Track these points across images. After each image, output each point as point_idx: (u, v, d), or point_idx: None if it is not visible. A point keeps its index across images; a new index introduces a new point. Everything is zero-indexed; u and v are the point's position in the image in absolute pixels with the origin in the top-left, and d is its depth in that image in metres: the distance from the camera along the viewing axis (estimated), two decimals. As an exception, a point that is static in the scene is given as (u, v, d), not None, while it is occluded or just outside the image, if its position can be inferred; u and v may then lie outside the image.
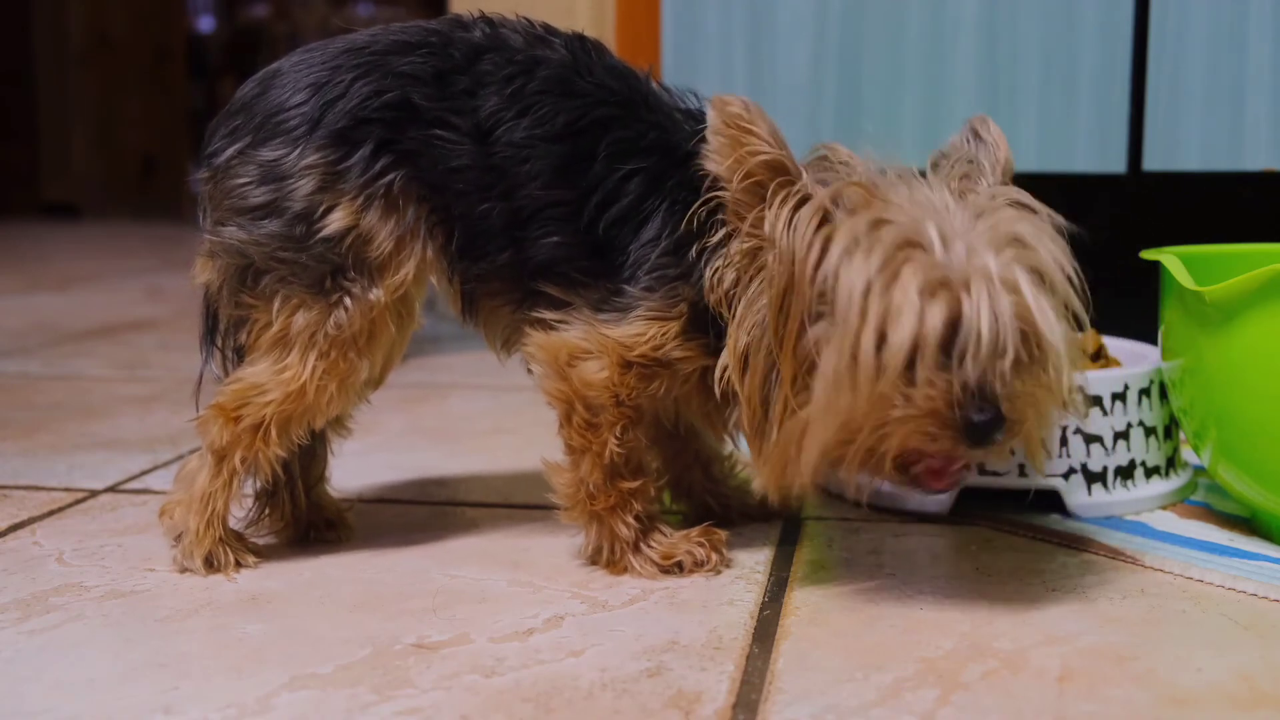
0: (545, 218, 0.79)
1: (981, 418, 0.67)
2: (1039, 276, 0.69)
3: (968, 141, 0.78)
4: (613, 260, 0.79)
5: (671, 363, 0.79)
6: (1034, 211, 0.72)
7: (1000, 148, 0.77)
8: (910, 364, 0.67)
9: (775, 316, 0.71)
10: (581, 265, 0.79)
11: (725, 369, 0.76)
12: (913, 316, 0.66)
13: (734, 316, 0.75)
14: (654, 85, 0.83)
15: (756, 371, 0.73)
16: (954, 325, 0.67)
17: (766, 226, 0.72)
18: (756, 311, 0.73)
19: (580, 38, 0.83)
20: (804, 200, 0.71)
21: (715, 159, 0.73)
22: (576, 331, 0.79)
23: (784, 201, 0.71)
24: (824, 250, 0.70)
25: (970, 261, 0.67)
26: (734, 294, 0.75)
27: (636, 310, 0.78)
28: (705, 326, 0.78)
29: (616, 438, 0.79)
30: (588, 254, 0.79)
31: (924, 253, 0.68)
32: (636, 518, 0.81)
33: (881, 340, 0.67)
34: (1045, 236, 0.70)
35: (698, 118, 0.81)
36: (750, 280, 0.74)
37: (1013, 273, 0.68)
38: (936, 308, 0.67)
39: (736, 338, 0.74)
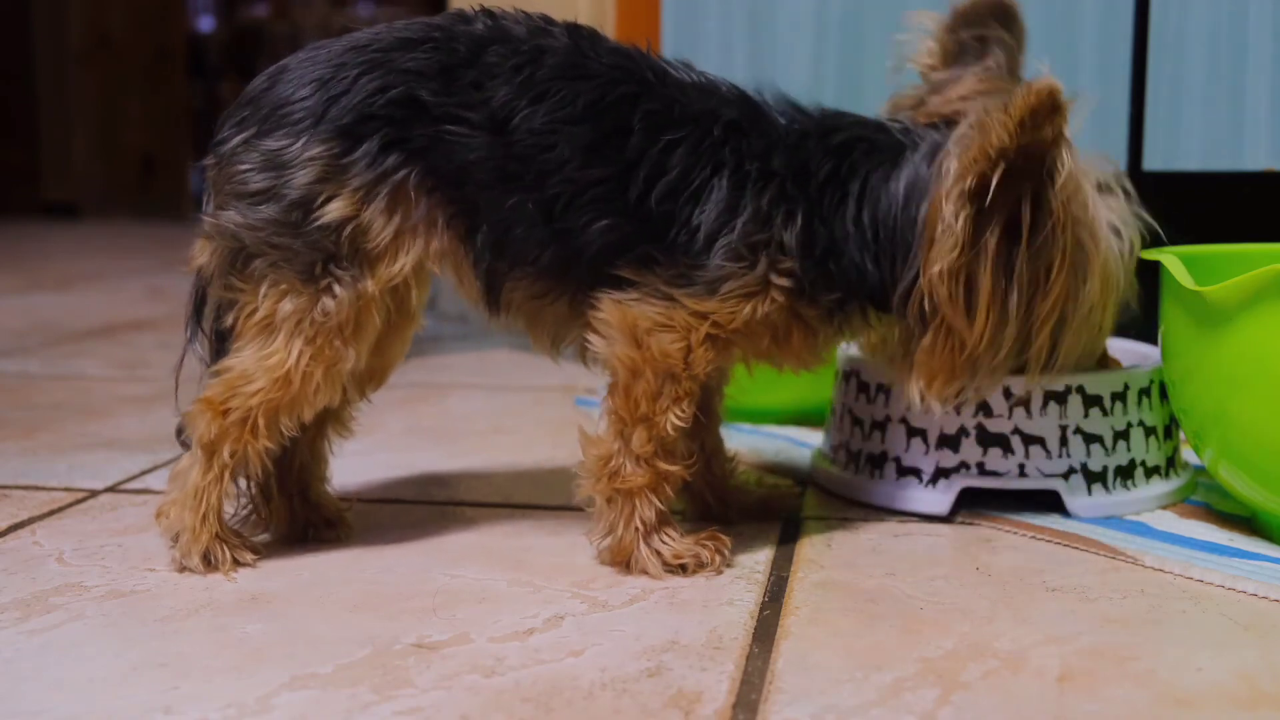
0: (587, 200, 0.80)
1: None
2: None
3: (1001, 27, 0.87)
4: (674, 237, 0.80)
5: (765, 323, 0.82)
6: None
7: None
8: None
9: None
10: (646, 248, 0.80)
11: (920, 298, 0.81)
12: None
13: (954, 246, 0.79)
14: (657, 60, 0.84)
15: (998, 294, 0.80)
16: None
17: (1059, 202, 0.80)
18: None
19: (576, 26, 0.84)
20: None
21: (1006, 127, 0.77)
22: (655, 306, 0.80)
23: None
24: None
25: None
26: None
27: (726, 284, 0.79)
28: (801, 288, 0.81)
29: (681, 410, 0.80)
30: (646, 235, 0.80)
31: None
32: (663, 501, 0.81)
33: None
34: None
35: (705, 89, 0.83)
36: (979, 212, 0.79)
37: None
38: None
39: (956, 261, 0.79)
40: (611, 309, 0.80)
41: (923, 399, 0.84)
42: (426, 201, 0.80)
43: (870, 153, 0.83)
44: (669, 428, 0.80)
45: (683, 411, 0.81)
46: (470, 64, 0.80)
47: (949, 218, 0.79)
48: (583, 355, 0.85)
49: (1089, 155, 0.86)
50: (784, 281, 0.81)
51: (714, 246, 0.79)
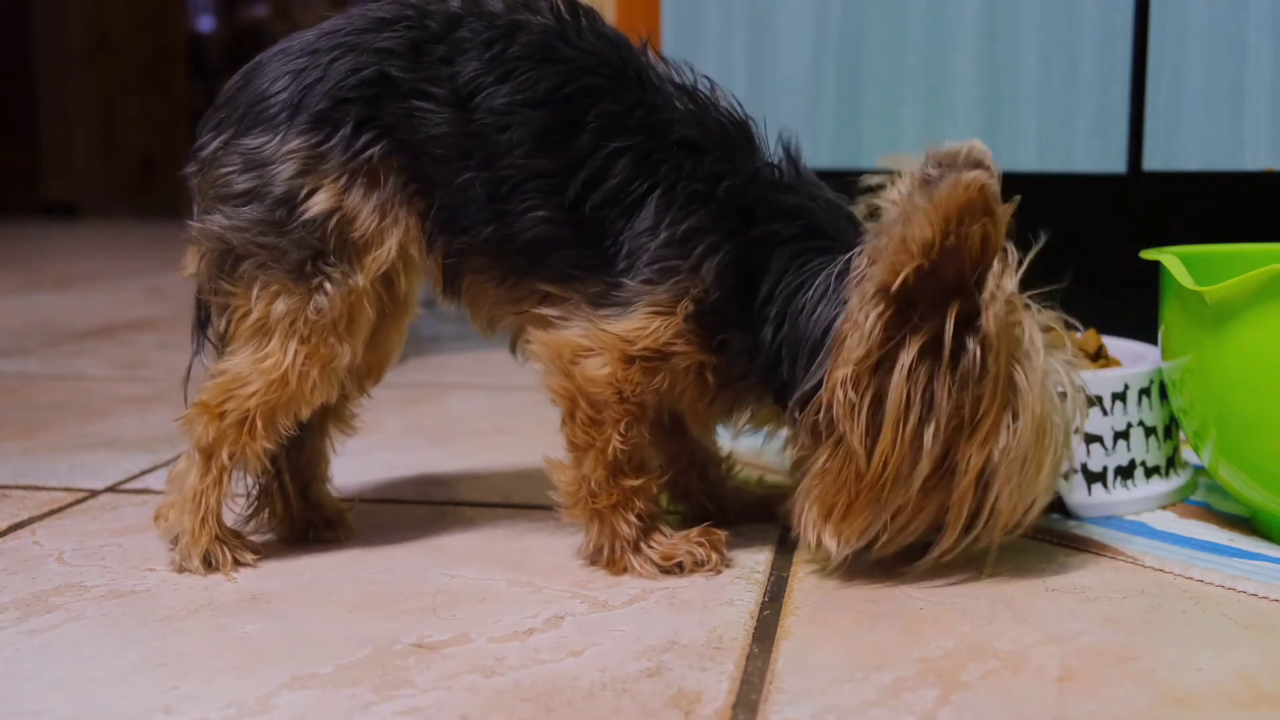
0: (528, 189, 0.79)
1: None
2: None
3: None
4: (604, 248, 0.78)
5: (670, 355, 0.79)
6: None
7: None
8: None
9: (990, 406, 0.74)
10: (573, 256, 0.79)
11: (819, 408, 0.75)
12: None
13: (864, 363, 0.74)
14: (649, 57, 0.82)
15: (906, 440, 0.73)
16: None
17: (991, 323, 0.72)
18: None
19: (570, 3, 0.82)
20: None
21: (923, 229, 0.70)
22: (577, 329, 0.79)
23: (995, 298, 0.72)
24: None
25: None
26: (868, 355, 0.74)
27: (637, 304, 0.78)
28: (706, 321, 0.78)
29: (620, 434, 0.79)
30: (577, 239, 0.79)
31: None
32: (639, 516, 0.81)
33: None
34: None
35: (691, 94, 0.81)
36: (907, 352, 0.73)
37: None
38: None
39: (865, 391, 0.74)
40: (539, 338, 0.80)
41: (817, 537, 0.77)
42: (394, 180, 0.80)
43: (816, 234, 0.79)
44: (615, 452, 0.79)
45: (624, 434, 0.79)
46: (441, 39, 0.80)
47: (859, 316, 0.73)
48: (512, 345, 0.85)
49: (1030, 295, 0.76)
50: (690, 307, 0.77)
51: (635, 266, 0.77)
